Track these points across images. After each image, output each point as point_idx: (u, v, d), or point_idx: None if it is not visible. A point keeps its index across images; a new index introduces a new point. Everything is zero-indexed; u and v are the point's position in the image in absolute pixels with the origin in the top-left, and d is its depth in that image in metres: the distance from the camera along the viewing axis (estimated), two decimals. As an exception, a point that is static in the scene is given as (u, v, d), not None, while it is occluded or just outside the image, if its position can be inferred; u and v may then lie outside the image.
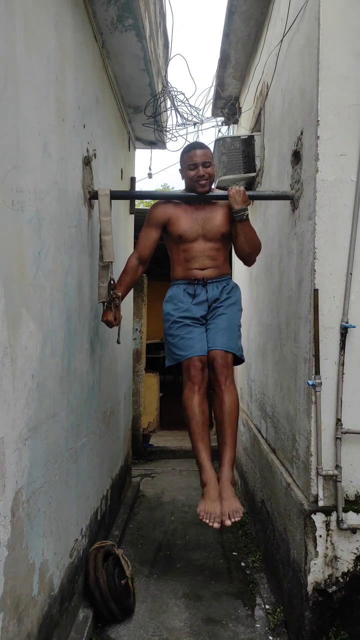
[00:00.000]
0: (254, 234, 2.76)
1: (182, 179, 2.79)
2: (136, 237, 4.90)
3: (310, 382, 2.32)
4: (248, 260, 2.85)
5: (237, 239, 2.72)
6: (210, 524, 2.42)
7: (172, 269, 2.83)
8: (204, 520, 2.43)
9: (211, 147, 4.20)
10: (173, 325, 2.69)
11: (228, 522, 2.41)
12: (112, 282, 2.65)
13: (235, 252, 2.82)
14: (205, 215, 2.71)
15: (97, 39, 2.90)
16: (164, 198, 2.97)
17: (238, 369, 4.07)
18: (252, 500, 3.83)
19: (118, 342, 2.82)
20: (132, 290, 5.01)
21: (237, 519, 2.44)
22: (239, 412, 2.71)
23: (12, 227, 1.61)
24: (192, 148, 2.69)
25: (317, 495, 2.30)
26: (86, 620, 2.51)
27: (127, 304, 4.62)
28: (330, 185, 2.31)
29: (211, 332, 2.67)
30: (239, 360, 2.74)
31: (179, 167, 2.80)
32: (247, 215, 2.67)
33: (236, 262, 5.69)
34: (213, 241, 2.70)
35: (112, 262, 2.64)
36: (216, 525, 2.41)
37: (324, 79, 2.29)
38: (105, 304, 2.65)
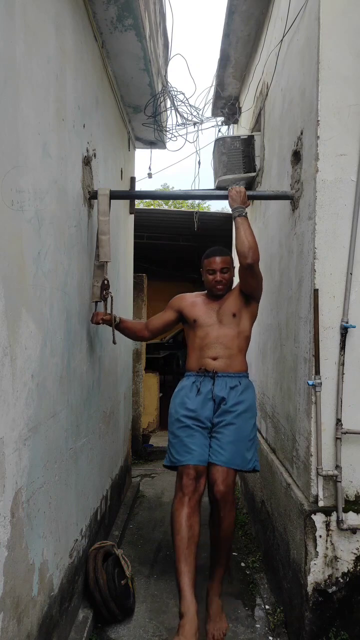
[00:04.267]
0: (252, 232, 2.63)
1: (203, 277, 2.81)
2: (136, 238, 4.87)
3: (310, 382, 2.32)
4: (246, 258, 2.56)
5: (237, 236, 2.61)
6: None
7: (187, 358, 2.77)
8: None
9: (211, 147, 4.23)
10: (175, 424, 2.60)
11: None
12: (105, 281, 2.65)
13: (237, 254, 2.65)
14: (221, 303, 2.72)
15: (97, 39, 2.90)
16: (163, 198, 2.98)
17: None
18: (252, 501, 3.83)
19: (114, 343, 2.81)
20: (131, 290, 5.03)
21: None
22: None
23: (12, 227, 1.61)
24: (212, 255, 2.74)
25: (317, 496, 2.30)
26: (86, 621, 2.51)
27: (127, 304, 4.62)
28: (330, 185, 2.31)
29: (215, 443, 2.52)
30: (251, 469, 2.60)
31: (201, 267, 2.82)
32: (246, 213, 2.65)
33: (236, 264, 5.70)
34: (227, 325, 2.65)
35: (107, 262, 2.64)
36: None
37: (324, 79, 2.29)
38: (98, 303, 2.66)
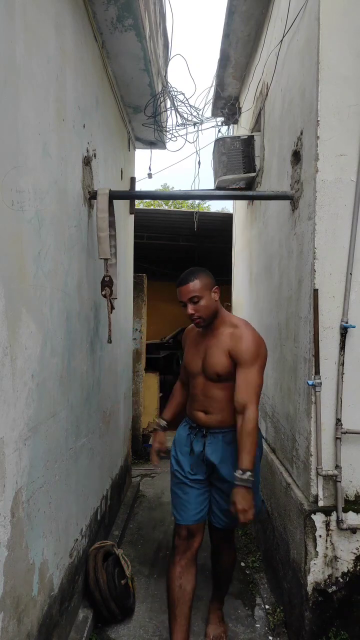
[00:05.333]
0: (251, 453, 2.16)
1: None
2: (136, 238, 4.80)
3: (310, 382, 2.32)
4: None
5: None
6: None
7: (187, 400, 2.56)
8: None
9: (211, 147, 4.23)
10: (172, 477, 2.45)
11: None
12: (106, 278, 2.64)
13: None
14: (207, 345, 2.35)
15: (97, 39, 2.90)
16: (163, 198, 2.95)
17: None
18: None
19: (109, 342, 2.79)
20: (131, 290, 5.02)
21: None
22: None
23: (12, 227, 1.61)
24: (178, 284, 2.30)
25: (317, 495, 2.30)
26: (86, 620, 2.51)
27: (127, 304, 4.62)
28: (330, 185, 2.32)
29: (214, 505, 2.39)
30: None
31: None
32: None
33: (235, 264, 5.70)
34: (211, 381, 2.32)
35: (107, 259, 2.64)
36: None
37: (324, 79, 2.29)
38: (101, 300, 2.65)
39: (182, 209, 9.77)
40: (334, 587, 2.28)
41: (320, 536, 2.27)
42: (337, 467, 2.31)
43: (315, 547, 2.27)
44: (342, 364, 2.32)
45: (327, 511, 2.28)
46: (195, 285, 2.25)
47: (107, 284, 2.64)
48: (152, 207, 9.67)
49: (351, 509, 2.30)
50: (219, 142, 3.97)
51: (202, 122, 4.70)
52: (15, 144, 1.62)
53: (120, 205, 4.00)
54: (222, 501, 2.33)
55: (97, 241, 2.65)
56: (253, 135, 3.86)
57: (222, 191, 2.76)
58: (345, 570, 2.29)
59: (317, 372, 2.31)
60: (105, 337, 3.07)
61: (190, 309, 2.27)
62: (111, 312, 2.72)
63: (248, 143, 3.86)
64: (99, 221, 2.61)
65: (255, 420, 2.17)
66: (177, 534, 2.38)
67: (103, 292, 2.64)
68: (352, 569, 2.29)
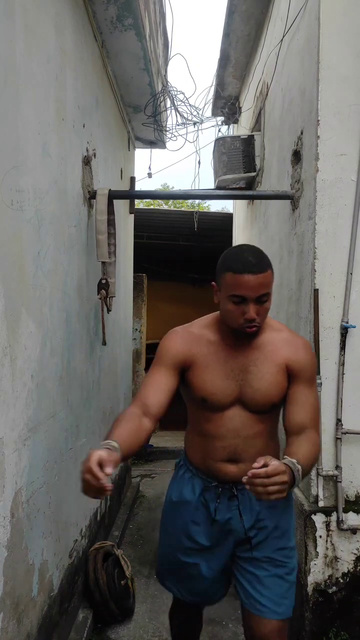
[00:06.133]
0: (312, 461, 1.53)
1: (215, 299, 1.61)
2: (136, 238, 4.76)
3: (311, 383, 2.31)
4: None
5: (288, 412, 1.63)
6: None
7: (186, 438, 1.82)
8: None
9: (211, 147, 4.23)
10: (177, 552, 1.75)
11: None
12: (103, 281, 2.64)
13: (284, 423, 1.65)
14: (247, 362, 1.62)
15: (97, 39, 2.89)
16: (163, 198, 2.95)
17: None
18: (252, 501, 3.83)
19: (104, 344, 2.75)
20: (131, 290, 5.01)
21: None
22: None
23: (12, 226, 1.61)
24: (247, 270, 1.48)
25: (317, 496, 2.30)
26: (86, 621, 2.51)
27: (127, 304, 4.62)
28: (331, 185, 2.31)
29: (250, 585, 1.65)
30: None
31: (216, 277, 1.59)
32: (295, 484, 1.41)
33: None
34: (256, 412, 1.63)
35: (105, 262, 2.64)
36: None
37: (324, 78, 2.29)
38: (98, 301, 2.65)
39: (182, 209, 9.77)
40: (334, 588, 2.28)
41: (320, 537, 2.27)
42: (337, 467, 2.31)
43: (315, 547, 2.27)
44: (343, 364, 2.32)
45: (327, 512, 2.28)
46: (267, 277, 1.51)
47: (104, 286, 2.64)
48: (152, 207, 9.67)
49: (351, 510, 2.30)
50: (219, 142, 3.96)
51: (202, 122, 4.70)
52: (15, 144, 1.62)
53: (120, 205, 4.00)
54: (264, 577, 1.62)
55: (95, 243, 2.66)
56: (253, 135, 3.86)
57: (222, 191, 2.75)
58: (346, 571, 2.29)
59: (318, 372, 2.31)
60: (106, 337, 3.07)
61: (252, 311, 1.51)
62: (108, 313, 2.71)
63: (248, 142, 3.86)
64: (97, 223, 2.61)
65: (320, 446, 1.66)
66: (182, 611, 1.88)
67: (99, 295, 2.63)
68: (352, 570, 2.29)
